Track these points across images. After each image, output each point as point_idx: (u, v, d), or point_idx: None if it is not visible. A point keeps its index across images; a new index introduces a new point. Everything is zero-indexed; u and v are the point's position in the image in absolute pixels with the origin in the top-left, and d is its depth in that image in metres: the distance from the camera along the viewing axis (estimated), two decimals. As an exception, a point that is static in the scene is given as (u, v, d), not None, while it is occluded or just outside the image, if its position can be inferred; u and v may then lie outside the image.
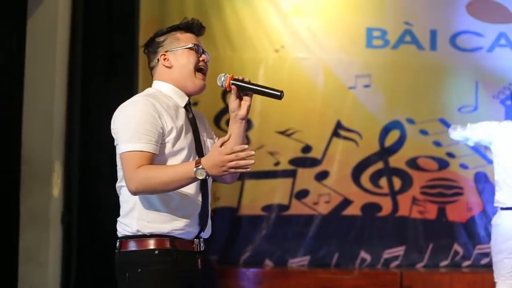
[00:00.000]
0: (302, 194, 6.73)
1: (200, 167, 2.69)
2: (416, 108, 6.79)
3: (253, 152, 2.70)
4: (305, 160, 6.76)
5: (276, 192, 6.73)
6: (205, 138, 3.07)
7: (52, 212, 5.66)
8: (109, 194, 5.84)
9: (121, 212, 2.96)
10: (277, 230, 6.65)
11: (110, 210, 5.85)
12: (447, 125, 6.63)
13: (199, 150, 2.98)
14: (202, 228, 2.96)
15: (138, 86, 6.16)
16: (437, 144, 6.76)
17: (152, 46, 3.07)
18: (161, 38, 3.05)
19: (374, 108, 6.79)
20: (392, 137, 6.78)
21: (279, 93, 2.93)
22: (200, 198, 2.95)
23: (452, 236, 6.68)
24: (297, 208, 6.71)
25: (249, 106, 3.01)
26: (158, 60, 3.04)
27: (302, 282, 6.33)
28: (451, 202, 6.73)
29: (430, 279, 6.39)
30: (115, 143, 2.96)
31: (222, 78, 2.97)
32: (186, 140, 2.92)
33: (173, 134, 2.88)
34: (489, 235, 6.54)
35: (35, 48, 5.55)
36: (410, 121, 6.77)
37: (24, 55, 5.47)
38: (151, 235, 2.86)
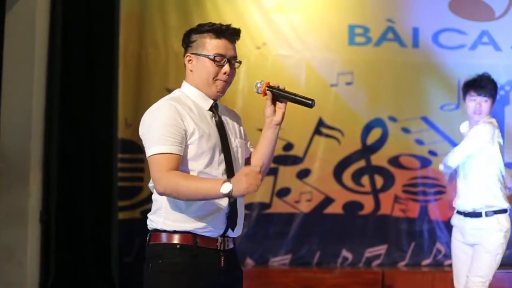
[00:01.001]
0: (284, 192, 6.69)
1: (227, 182, 2.72)
2: (398, 106, 6.77)
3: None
4: (286, 158, 6.71)
5: (258, 190, 6.59)
6: (233, 140, 3.10)
7: (30, 210, 5.61)
8: (88, 192, 5.90)
9: (152, 208, 3.04)
10: (258, 229, 6.60)
11: (88, 209, 5.90)
12: (429, 123, 6.67)
13: (225, 148, 3.02)
14: (230, 227, 2.97)
15: (118, 82, 6.10)
16: (419, 142, 6.74)
17: (185, 42, 3.07)
18: (193, 38, 3.05)
19: (356, 106, 6.76)
20: (374, 135, 6.75)
21: (310, 102, 3.01)
22: (226, 199, 2.94)
23: (434, 234, 6.67)
24: (279, 207, 6.67)
25: (284, 113, 3.08)
26: (185, 59, 3.07)
27: (283, 281, 6.30)
28: (433, 200, 6.72)
29: (412, 278, 6.38)
30: (143, 145, 2.99)
31: (258, 85, 3.06)
32: (210, 142, 2.96)
33: (196, 136, 2.92)
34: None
35: (13, 43, 5.51)
36: (392, 119, 6.74)
37: (2, 51, 5.43)
38: (175, 232, 2.94)
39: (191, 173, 2.91)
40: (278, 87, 3.06)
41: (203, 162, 2.93)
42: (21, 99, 5.57)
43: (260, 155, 3.17)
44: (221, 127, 3.05)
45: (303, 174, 6.70)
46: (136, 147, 6.31)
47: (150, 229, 3.03)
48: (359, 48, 6.78)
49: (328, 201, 6.68)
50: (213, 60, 2.99)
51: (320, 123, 6.72)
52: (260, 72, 6.56)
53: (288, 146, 6.70)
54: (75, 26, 5.97)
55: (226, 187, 2.72)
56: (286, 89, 3.07)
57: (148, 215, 3.04)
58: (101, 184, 5.93)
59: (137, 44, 6.54)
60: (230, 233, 3.00)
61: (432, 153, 6.73)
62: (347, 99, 6.76)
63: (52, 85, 5.79)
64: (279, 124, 3.09)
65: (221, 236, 2.97)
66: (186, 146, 2.91)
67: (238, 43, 6.69)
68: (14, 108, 5.54)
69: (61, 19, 5.85)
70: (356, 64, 6.77)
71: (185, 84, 3.09)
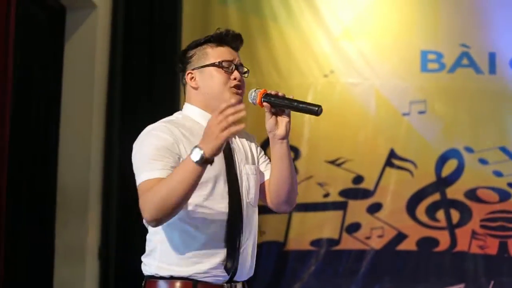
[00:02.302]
0: (354, 228, 6.36)
1: (193, 148, 2.37)
2: (475, 135, 6.40)
3: (242, 106, 2.34)
4: (356, 191, 6.39)
5: (326, 225, 6.36)
6: (242, 166, 2.71)
7: (88, 246, 5.41)
8: (148, 229, 5.69)
9: (145, 251, 2.71)
10: (326, 266, 6.27)
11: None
12: (508, 153, 6.31)
13: (231, 182, 2.63)
14: (232, 273, 2.61)
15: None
16: (498, 174, 6.36)
17: (182, 62, 2.74)
18: (191, 53, 2.72)
19: (430, 136, 6.41)
20: (450, 167, 6.39)
21: (316, 108, 2.58)
22: (226, 238, 2.60)
23: (515, 272, 6.28)
24: (348, 243, 6.34)
25: (289, 124, 2.66)
26: (185, 79, 2.72)
27: (353, 321, 6.01)
28: (514, 236, 6.33)
29: (491, 319, 6.01)
30: None
31: (253, 94, 2.66)
32: (212, 170, 2.53)
33: None
34: (554, 272, 6.18)
35: (73, 73, 5.43)
36: (469, 149, 6.38)
37: (61, 83, 5.35)
38: (172, 278, 2.58)
39: (188, 207, 2.54)
40: (277, 94, 2.63)
41: (203, 193, 2.55)
42: (80, 130, 5.43)
43: (276, 177, 2.73)
44: (228, 152, 2.65)
45: (374, 208, 6.37)
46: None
47: (145, 274, 2.67)
48: (432, 75, 6.45)
49: (401, 237, 6.33)
50: (220, 66, 2.64)
51: (392, 154, 6.40)
52: (327, 100, 6.30)
53: (358, 179, 6.39)
54: (136, 60, 5.82)
55: (196, 153, 2.34)
56: (287, 96, 2.64)
57: (142, 258, 2.69)
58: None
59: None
60: (238, 277, 2.62)
61: (512, 185, 6.36)
62: (420, 129, 6.42)
63: (111, 115, 5.62)
64: (285, 138, 2.65)
65: (227, 282, 2.60)
66: None
67: (306, 72, 6.58)
68: (72, 139, 5.40)
69: (121, 53, 5.70)
70: (429, 92, 6.44)
71: (186, 105, 2.72)
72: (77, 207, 5.39)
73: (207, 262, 2.57)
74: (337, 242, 6.36)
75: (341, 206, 6.35)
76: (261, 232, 6.16)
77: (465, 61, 6.45)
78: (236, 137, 2.76)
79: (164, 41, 5.89)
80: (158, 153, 2.52)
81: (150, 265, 2.64)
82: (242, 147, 2.76)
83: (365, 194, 6.39)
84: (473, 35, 6.49)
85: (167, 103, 5.82)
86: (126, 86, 5.71)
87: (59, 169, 5.36)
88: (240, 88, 2.69)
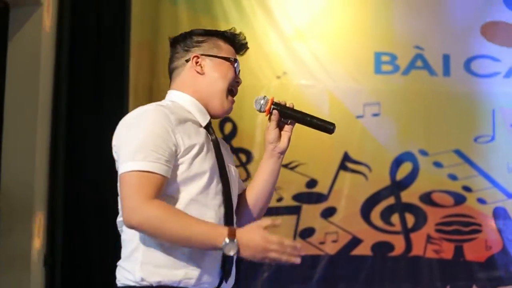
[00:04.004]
0: (307, 233, 6.24)
1: (233, 241, 2.18)
2: (429, 138, 6.35)
3: (302, 253, 2.28)
4: (310, 195, 6.28)
5: (279, 230, 6.12)
6: (229, 164, 2.56)
7: (33, 253, 5.20)
8: (96, 234, 5.53)
9: (122, 254, 2.42)
10: (280, 272, 6.11)
11: (97, 252, 5.51)
12: (463, 156, 6.29)
13: (223, 175, 2.45)
14: (224, 277, 2.43)
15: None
16: (453, 177, 6.31)
17: (186, 42, 2.57)
18: (201, 38, 2.57)
19: (384, 139, 6.34)
20: (404, 170, 6.32)
21: (331, 127, 2.54)
22: None
23: (471, 277, 6.20)
24: (302, 248, 6.10)
25: (290, 138, 2.58)
26: (187, 60, 2.54)
27: (308, 328, 5.89)
28: (469, 240, 6.25)
29: (447, 323, 5.97)
30: (116, 164, 2.42)
31: (262, 101, 2.55)
32: (208, 161, 2.39)
33: (193, 152, 2.36)
34: (510, 275, 6.15)
35: (17, 77, 5.28)
36: (423, 152, 6.32)
37: (4, 84, 5.19)
38: (159, 286, 2.31)
39: (180, 201, 2.32)
40: (285, 104, 2.55)
41: (198, 186, 2.36)
42: (24, 132, 5.25)
43: (259, 191, 2.62)
44: (218, 150, 2.49)
45: (328, 212, 6.26)
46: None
47: (121, 284, 2.39)
48: (386, 77, 6.39)
49: (355, 241, 6.24)
50: (233, 64, 2.54)
51: (346, 157, 6.31)
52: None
53: (312, 183, 6.28)
54: (82, 58, 5.65)
55: (232, 248, 2.17)
56: (296, 108, 2.56)
57: (118, 263, 2.41)
58: (110, 225, 5.54)
59: (148, 74, 6.18)
60: (224, 286, 2.44)
61: (467, 188, 6.30)
62: (374, 132, 6.34)
63: (57, 120, 5.44)
64: (284, 152, 2.58)
65: None
66: (176, 166, 2.31)
67: (258, 73, 6.46)
68: (16, 142, 5.22)
69: (67, 51, 5.53)
70: (383, 94, 6.37)
71: (176, 93, 2.53)
72: (21, 212, 5.20)
73: (199, 266, 2.36)
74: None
75: (294, 211, 6.24)
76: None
77: (419, 63, 6.41)
78: (219, 140, 2.61)
79: (112, 40, 5.74)
80: (155, 142, 2.30)
81: (133, 270, 2.35)
82: (225, 148, 2.64)
83: (319, 198, 6.30)
84: (427, 37, 6.45)
85: (115, 103, 5.68)
86: (72, 86, 5.54)
87: (2, 173, 5.18)
88: (235, 94, 2.60)
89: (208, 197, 2.39)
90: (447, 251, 6.25)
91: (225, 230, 2.22)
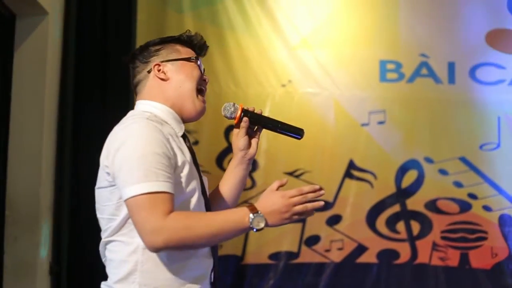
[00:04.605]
0: (313, 241, 6.23)
1: (258, 213, 2.19)
2: (435, 146, 6.34)
3: (323, 192, 2.30)
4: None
5: (284, 238, 6.21)
6: (202, 175, 2.52)
7: (39, 262, 5.19)
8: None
9: (113, 275, 2.37)
10: (285, 280, 6.12)
11: (102, 261, 5.52)
12: (468, 164, 6.27)
13: (203, 191, 2.45)
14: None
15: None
16: (458, 184, 6.30)
17: (143, 54, 2.54)
18: (157, 46, 2.54)
19: (390, 147, 6.33)
20: (409, 178, 6.31)
21: (300, 133, 2.55)
22: (210, 250, 2.43)
23: (476, 284, 6.18)
24: (307, 256, 6.20)
25: (258, 144, 2.59)
26: (149, 71, 2.50)
27: (313, 336, 5.87)
28: (475, 247, 6.24)
29: (453, 331, 5.94)
30: (100, 184, 2.41)
31: (232, 109, 2.54)
32: (196, 179, 2.38)
33: (186, 169, 2.33)
34: (516, 283, 6.14)
35: (23, 83, 5.25)
36: (429, 160, 6.31)
37: (10, 94, 5.15)
38: None
39: None
40: (254, 110, 2.54)
41: (193, 203, 2.35)
42: (30, 143, 5.23)
43: (225, 197, 2.61)
44: (195, 161, 2.46)
45: (334, 220, 6.26)
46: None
47: None
48: (391, 85, 6.39)
49: (361, 249, 6.23)
50: (195, 62, 2.49)
51: (351, 165, 6.30)
52: (285, 111, 6.20)
53: (317, 191, 6.26)
54: (88, 67, 5.64)
55: (260, 222, 2.18)
56: (264, 115, 2.57)
57: (113, 284, 2.34)
58: (116, 233, 5.54)
59: (154, 84, 6.18)
60: None
61: (472, 196, 6.28)
62: (379, 140, 6.34)
63: (63, 129, 5.44)
64: (253, 158, 2.60)
65: None
66: (175, 182, 2.28)
67: (263, 81, 6.46)
68: (22, 151, 5.20)
69: (73, 61, 5.53)
70: (388, 102, 6.37)
71: (147, 103, 2.48)
72: (27, 221, 5.18)
73: (198, 282, 2.37)
74: (296, 255, 6.22)
75: (300, 219, 6.20)
76: (218, 246, 6.01)
77: (424, 71, 6.40)
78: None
79: (118, 50, 5.72)
80: (160, 160, 2.24)
81: None
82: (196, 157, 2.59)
83: (325, 206, 6.23)
84: (432, 45, 6.45)
85: (121, 114, 5.65)
86: (78, 96, 5.53)
87: (8, 182, 5.16)
88: (204, 92, 2.56)
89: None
90: (453, 258, 6.24)
91: (245, 209, 2.23)
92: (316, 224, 6.26)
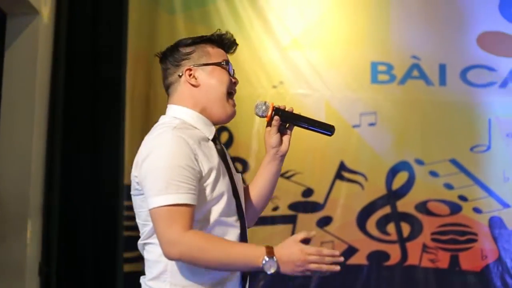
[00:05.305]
0: (303, 242, 6.16)
1: (273, 258, 2.25)
2: (425, 148, 6.34)
3: (342, 258, 2.29)
4: (306, 204, 6.26)
5: (275, 239, 6.09)
6: (235, 174, 2.59)
7: (28, 262, 5.17)
8: (91, 243, 5.48)
9: (149, 273, 2.48)
10: (276, 281, 6.09)
11: (91, 260, 5.48)
12: (459, 166, 6.27)
13: (235, 193, 2.51)
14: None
15: (124, 124, 5.73)
16: (448, 186, 6.30)
17: (174, 57, 2.56)
18: (188, 49, 2.57)
19: (380, 148, 6.33)
20: (400, 179, 6.31)
21: (331, 130, 2.59)
22: None
23: (466, 286, 6.18)
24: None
25: (290, 140, 2.64)
26: (180, 75, 2.53)
27: None
28: (465, 249, 6.24)
29: (443, 333, 5.93)
30: (133, 192, 2.47)
31: (263, 107, 2.59)
32: (225, 182, 2.45)
33: (213, 176, 2.40)
34: (505, 285, 6.13)
35: (13, 84, 5.23)
36: (419, 162, 6.31)
37: (0, 93, 5.16)
38: None
39: (206, 224, 2.38)
40: (285, 108, 2.60)
41: (220, 207, 2.42)
42: (20, 142, 5.21)
43: (260, 193, 2.70)
44: (226, 162, 2.52)
45: (324, 222, 6.24)
46: (144, 193, 5.92)
47: None
48: (383, 87, 6.38)
49: (351, 251, 6.22)
50: (225, 67, 2.54)
51: (342, 167, 6.30)
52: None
53: (308, 192, 6.26)
54: (79, 66, 5.62)
55: (271, 267, 2.24)
56: (295, 112, 2.61)
57: (146, 281, 2.47)
58: (106, 234, 5.52)
59: (145, 84, 6.15)
60: None
61: (463, 198, 6.29)
62: (370, 141, 6.33)
63: (53, 128, 5.41)
64: (285, 154, 2.64)
65: None
66: (200, 190, 2.35)
67: (254, 82, 6.44)
68: (12, 151, 5.19)
69: (64, 60, 5.50)
70: (379, 104, 6.37)
71: (179, 108, 2.53)
72: (15, 220, 5.16)
73: (226, 281, 2.45)
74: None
75: (290, 220, 6.21)
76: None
77: (415, 73, 6.41)
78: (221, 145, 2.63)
79: (109, 50, 5.71)
80: (182, 172, 2.31)
81: None
82: (227, 155, 2.65)
83: (315, 207, 6.27)
84: (423, 46, 6.45)
85: (111, 111, 5.66)
86: (68, 96, 5.50)
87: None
88: (234, 95, 2.61)
89: (227, 216, 2.46)
90: (443, 260, 6.24)
91: (263, 249, 2.29)
92: (307, 226, 6.22)
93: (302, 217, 6.26)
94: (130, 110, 5.94)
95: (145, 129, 6.15)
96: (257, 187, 2.73)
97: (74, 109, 5.55)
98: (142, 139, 6.55)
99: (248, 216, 2.68)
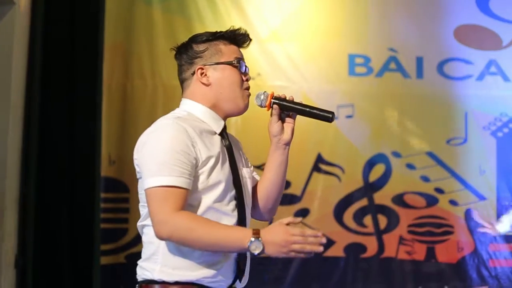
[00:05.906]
0: (288, 227, 6.21)
1: (258, 239, 2.30)
2: (402, 140, 6.37)
3: (324, 240, 2.34)
4: (283, 196, 6.16)
5: (252, 231, 6.20)
6: (241, 168, 2.65)
7: (4, 254, 5.11)
8: (68, 235, 5.46)
9: (143, 254, 2.58)
10: (251, 274, 6.07)
11: (68, 253, 5.46)
12: (435, 158, 6.30)
13: (237, 183, 2.57)
14: (238, 276, 2.58)
15: (101, 116, 5.70)
16: (425, 179, 6.34)
17: (188, 54, 2.63)
18: (201, 46, 2.64)
19: (357, 140, 6.34)
20: (377, 172, 6.33)
21: (330, 115, 2.64)
22: None
23: (442, 278, 6.23)
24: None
25: (293, 129, 2.69)
26: (193, 73, 2.61)
27: (280, 330, 5.85)
28: (441, 241, 6.28)
29: (418, 325, 5.96)
30: (137, 176, 2.55)
31: (262, 97, 2.66)
32: (223, 171, 2.52)
33: (210, 164, 2.48)
34: (481, 277, 6.17)
35: None
36: (396, 154, 6.34)
37: None
38: (177, 283, 2.48)
39: (199, 209, 2.46)
40: (285, 97, 2.65)
41: (214, 195, 2.49)
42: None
43: (270, 183, 2.77)
44: (231, 155, 2.59)
45: (301, 214, 6.22)
46: (121, 185, 5.91)
47: (141, 279, 2.53)
48: (360, 79, 6.40)
49: (328, 243, 6.12)
50: (236, 66, 2.61)
51: (319, 159, 6.30)
52: (254, 104, 6.15)
53: (285, 184, 6.25)
54: (55, 57, 5.58)
55: (257, 247, 2.30)
56: (295, 100, 2.66)
57: (139, 262, 2.55)
58: (82, 226, 5.50)
59: (122, 75, 6.12)
60: (237, 284, 2.60)
61: (439, 190, 6.32)
62: (347, 133, 6.34)
63: (29, 119, 5.36)
64: (289, 143, 2.70)
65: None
66: (196, 177, 2.44)
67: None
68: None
69: (40, 51, 5.45)
70: (356, 96, 6.37)
71: (190, 103, 2.62)
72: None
73: (215, 266, 2.49)
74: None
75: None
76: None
77: (392, 65, 6.42)
78: (232, 141, 2.71)
79: (86, 40, 5.68)
80: (177, 156, 2.42)
81: (152, 269, 2.50)
82: (237, 150, 2.72)
83: (292, 199, 6.28)
84: (400, 39, 6.47)
85: (88, 103, 5.63)
86: (45, 86, 5.47)
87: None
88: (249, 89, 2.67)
89: (223, 203, 2.53)
90: (419, 252, 6.27)
91: (249, 231, 2.36)
92: (283, 218, 6.23)
93: (279, 209, 6.07)
94: (107, 101, 5.91)
95: (122, 121, 6.17)
96: (265, 178, 2.79)
97: (50, 101, 5.51)
98: (119, 131, 6.51)
99: (263, 209, 2.82)
